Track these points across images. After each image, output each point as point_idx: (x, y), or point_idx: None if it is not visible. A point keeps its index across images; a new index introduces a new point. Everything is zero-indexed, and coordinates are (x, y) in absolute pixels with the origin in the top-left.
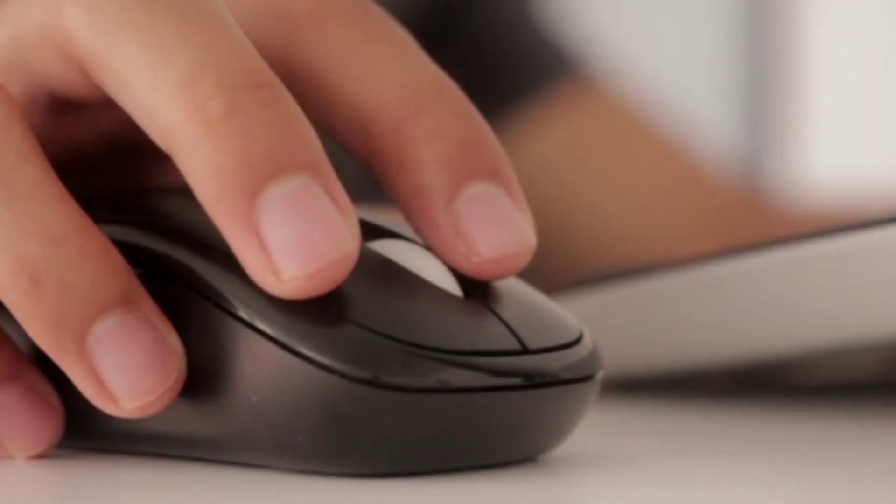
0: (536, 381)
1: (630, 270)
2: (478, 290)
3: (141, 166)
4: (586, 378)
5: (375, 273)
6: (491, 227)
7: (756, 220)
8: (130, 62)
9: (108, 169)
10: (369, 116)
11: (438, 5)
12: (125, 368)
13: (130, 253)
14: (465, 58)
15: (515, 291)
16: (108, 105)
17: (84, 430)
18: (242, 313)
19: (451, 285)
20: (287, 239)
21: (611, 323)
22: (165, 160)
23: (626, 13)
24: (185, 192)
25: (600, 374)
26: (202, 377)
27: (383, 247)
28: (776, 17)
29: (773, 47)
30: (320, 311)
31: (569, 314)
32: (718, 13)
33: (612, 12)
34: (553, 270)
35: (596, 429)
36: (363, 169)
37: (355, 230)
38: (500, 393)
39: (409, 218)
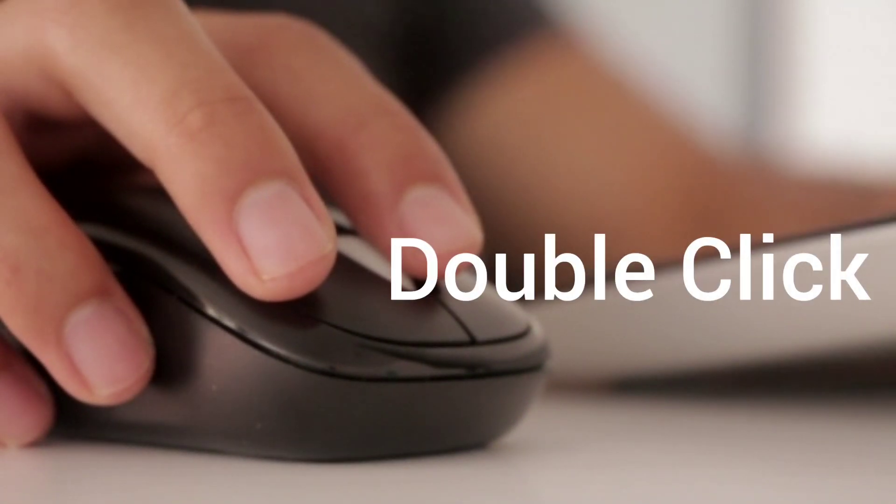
0: (482, 372)
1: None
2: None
3: (101, 184)
4: (531, 369)
5: (332, 269)
6: (435, 225)
7: (742, 187)
8: (114, 81)
9: (70, 183)
10: (315, 134)
11: None
12: (99, 357)
13: (100, 249)
14: (439, 10)
15: (467, 286)
16: (78, 126)
17: (66, 419)
18: (204, 307)
19: (404, 280)
20: (266, 241)
21: (610, 323)
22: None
23: None
24: (152, 192)
25: (546, 366)
26: (168, 368)
27: (339, 243)
28: None
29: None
30: (279, 305)
31: (519, 308)
32: None
33: None
34: (522, 233)
35: (596, 428)
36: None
37: (331, 233)
38: (447, 382)
39: (359, 226)
